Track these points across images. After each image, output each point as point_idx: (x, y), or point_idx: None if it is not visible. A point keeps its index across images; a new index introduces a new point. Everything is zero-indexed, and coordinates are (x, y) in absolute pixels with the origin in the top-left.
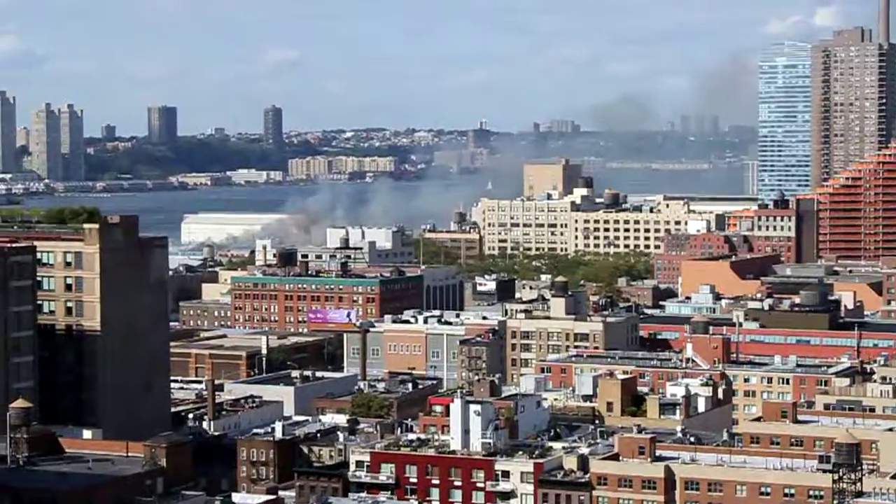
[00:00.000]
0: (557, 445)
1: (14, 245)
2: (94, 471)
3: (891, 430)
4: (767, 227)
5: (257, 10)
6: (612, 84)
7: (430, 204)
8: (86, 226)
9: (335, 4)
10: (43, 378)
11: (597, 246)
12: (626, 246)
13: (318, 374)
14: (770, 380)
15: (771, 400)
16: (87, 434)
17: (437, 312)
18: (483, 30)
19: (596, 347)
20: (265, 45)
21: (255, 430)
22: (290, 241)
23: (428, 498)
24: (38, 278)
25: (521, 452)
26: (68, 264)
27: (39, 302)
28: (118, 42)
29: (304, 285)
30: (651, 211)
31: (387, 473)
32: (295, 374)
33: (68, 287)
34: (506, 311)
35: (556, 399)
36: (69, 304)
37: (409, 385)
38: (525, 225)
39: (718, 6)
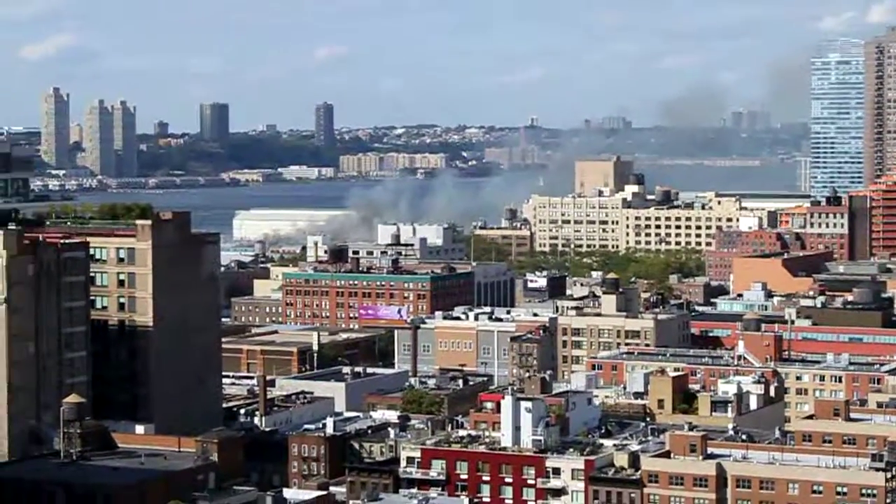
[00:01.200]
0: (608, 443)
1: (67, 241)
2: (146, 466)
3: None
4: (820, 224)
5: (308, 7)
6: (665, 80)
7: (482, 200)
8: (138, 222)
9: (386, 1)
10: (96, 373)
11: (648, 243)
12: (678, 243)
13: (369, 370)
14: (822, 377)
15: (823, 398)
16: (139, 429)
17: (487, 309)
18: (537, 25)
19: (647, 344)
20: (315, 43)
21: (306, 426)
22: (349, 238)
23: (478, 494)
24: (91, 274)
25: (571, 449)
26: (121, 260)
27: (92, 297)
28: (171, 39)
29: (356, 281)
30: (703, 208)
31: (437, 470)
32: (346, 370)
33: (121, 283)
34: (557, 307)
35: (607, 396)
36: (122, 300)
37: (460, 382)
38: (576, 222)
39: (774, 2)
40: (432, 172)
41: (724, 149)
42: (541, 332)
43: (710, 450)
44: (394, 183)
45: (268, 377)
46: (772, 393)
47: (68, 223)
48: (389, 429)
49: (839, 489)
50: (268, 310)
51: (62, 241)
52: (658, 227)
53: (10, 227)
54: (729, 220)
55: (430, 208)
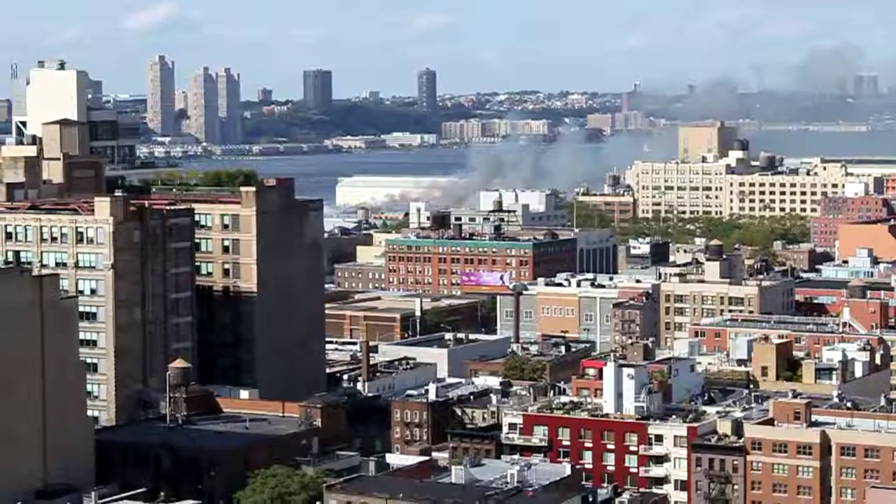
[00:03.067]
0: (711, 410)
1: (173, 207)
2: (250, 430)
3: None
4: None
5: None
6: (767, 48)
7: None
8: (243, 189)
9: None
10: (201, 339)
11: (752, 209)
12: (782, 209)
13: (472, 336)
14: None
15: None
16: (243, 394)
17: (590, 276)
18: None
19: (751, 311)
20: (414, 11)
21: (408, 392)
22: (464, 204)
23: (581, 461)
24: (197, 240)
25: (674, 416)
26: (226, 226)
27: (197, 264)
28: (273, 7)
29: (458, 248)
30: (808, 174)
31: (539, 436)
32: (448, 336)
33: (226, 249)
34: (660, 274)
35: (710, 363)
36: (226, 266)
37: (562, 348)
38: (679, 188)
39: None
40: (537, 138)
41: (831, 115)
42: (643, 298)
43: (814, 417)
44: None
45: (371, 343)
46: (877, 360)
47: (174, 190)
48: (491, 395)
49: None
50: (371, 276)
51: (167, 207)
52: (762, 193)
53: (116, 194)
54: (834, 185)
55: (539, 173)
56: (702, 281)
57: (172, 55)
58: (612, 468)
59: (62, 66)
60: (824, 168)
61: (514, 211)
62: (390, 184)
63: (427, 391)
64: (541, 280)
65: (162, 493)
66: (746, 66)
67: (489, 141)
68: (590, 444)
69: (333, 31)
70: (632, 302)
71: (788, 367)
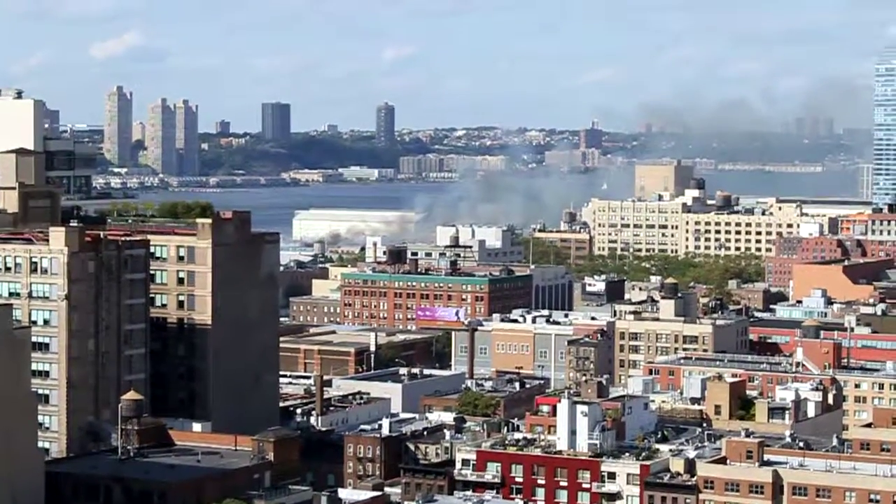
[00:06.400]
0: (664, 448)
1: (129, 238)
2: (202, 463)
3: None
4: (881, 232)
5: (379, 7)
6: (730, 85)
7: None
8: (199, 220)
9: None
10: (154, 371)
11: (707, 248)
12: (738, 248)
13: (426, 371)
14: (881, 386)
15: (882, 406)
16: (196, 427)
17: (545, 312)
18: (607, 27)
19: (705, 350)
20: (384, 43)
21: (362, 427)
22: (411, 239)
23: (533, 497)
24: (152, 272)
25: (627, 454)
26: (181, 258)
27: (152, 295)
28: (236, 39)
29: (414, 283)
30: (763, 213)
31: (493, 472)
32: (403, 371)
33: (181, 281)
34: (615, 311)
35: (663, 401)
36: (181, 298)
37: (517, 384)
38: (636, 226)
39: (841, 8)
40: (491, 175)
41: (786, 155)
42: (598, 335)
43: (766, 457)
44: (454, 186)
45: (325, 377)
46: (830, 400)
47: (129, 221)
48: (445, 430)
49: None
50: (326, 310)
51: (123, 238)
52: (718, 232)
53: (72, 224)
54: (789, 226)
55: (488, 211)
56: (656, 319)
57: (134, 85)
58: None
59: (19, 94)
60: (779, 208)
61: (471, 247)
62: (347, 217)
63: (381, 426)
64: (496, 316)
65: None
66: (710, 103)
67: (447, 176)
68: (543, 481)
69: (298, 62)
70: (586, 339)
71: (742, 405)
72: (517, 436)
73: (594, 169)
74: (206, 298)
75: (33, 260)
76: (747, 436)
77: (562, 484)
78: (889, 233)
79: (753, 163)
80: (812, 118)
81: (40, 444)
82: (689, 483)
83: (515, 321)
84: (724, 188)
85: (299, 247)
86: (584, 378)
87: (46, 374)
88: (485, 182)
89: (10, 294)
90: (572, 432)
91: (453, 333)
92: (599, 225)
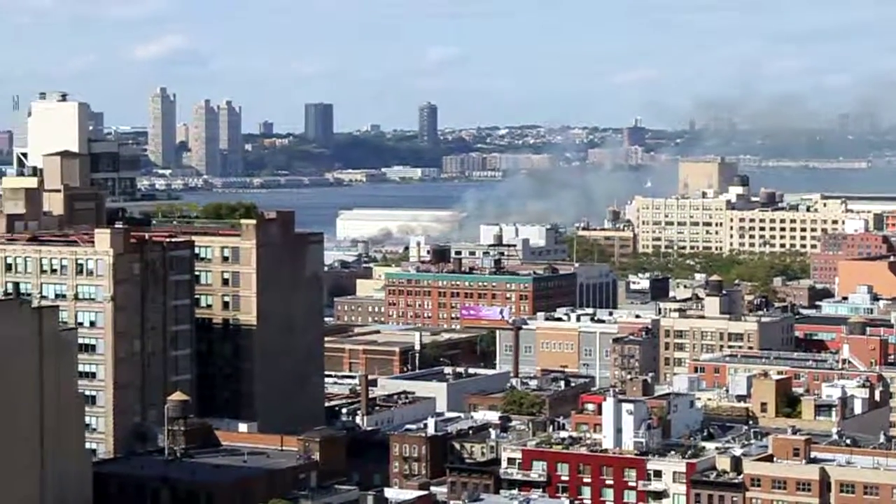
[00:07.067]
0: (710, 446)
1: (173, 240)
2: (249, 464)
3: None
4: None
5: (422, 7)
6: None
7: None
8: (243, 221)
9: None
10: (200, 371)
11: (752, 245)
12: (782, 245)
13: (471, 370)
14: None
15: None
16: (242, 427)
17: (589, 310)
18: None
19: (750, 347)
20: (426, 43)
21: (407, 426)
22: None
23: (579, 496)
24: (196, 273)
25: (673, 452)
26: (226, 259)
27: (197, 296)
28: (280, 41)
29: (458, 282)
30: (808, 210)
31: (538, 471)
32: (447, 370)
33: (225, 282)
34: (659, 309)
35: (709, 399)
36: (226, 299)
37: (562, 383)
38: (679, 223)
39: (883, 4)
40: (540, 172)
41: (830, 151)
42: (643, 333)
43: (813, 454)
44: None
45: (370, 377)
46: (877, 397)
47: (174, 222)
48: (490, 429)
49: None
50: (370, 309)
51: (168, 239)
52: (762, 229)
53: (116, 226)
54: (834, 222)
55: (538, 208)
56: (701, 316)
57: (178, 88)
58: None
59: (64, 97)
60: (824, 204)
61: (514, 245)
62: (391, 217)
63: (426, 425)
64: (540, 315)
65: None
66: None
67: (490, 175)
68: (588, 480)
69: (340, 63)
70: (631, 337)
71: (788, 403)
72: (562, 434)
73: (642, 166)
74: (251, 299)
75: (79, 262)
76: (794, 433)
77: (607, 482)
78: None
79: (798, 159)
80: (857, 114)
81: (88, 445)
82: (736, 481)
83: (560, 320)
84: (769, 185)
85: (343, 247)
86: (629, 376)
87: (93, 375)
88: (534, 179)
89: (57, 296)
90: (618, 430)
91: (498, 332)
92: (643, 222)
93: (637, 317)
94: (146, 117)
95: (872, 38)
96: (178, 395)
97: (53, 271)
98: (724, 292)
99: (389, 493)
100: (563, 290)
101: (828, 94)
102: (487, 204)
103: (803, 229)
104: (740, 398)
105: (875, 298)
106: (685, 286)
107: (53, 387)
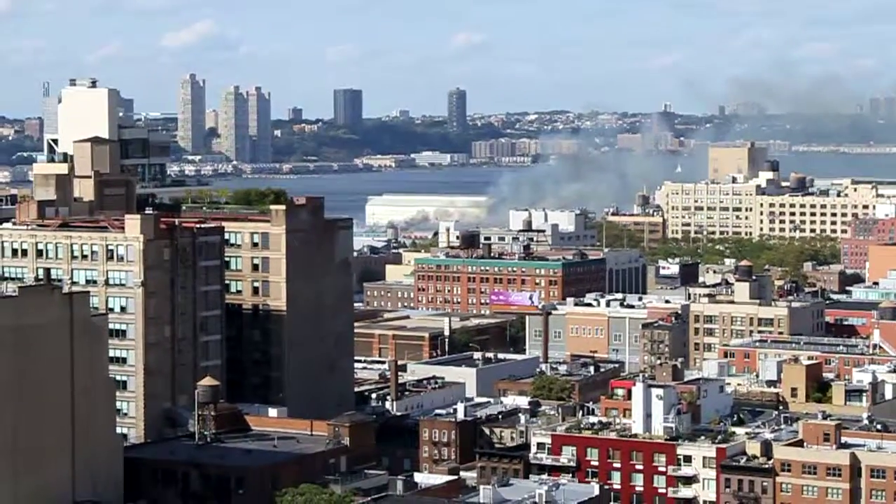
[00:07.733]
0: (740, 431)
1: (203, 225)
2: (279, 448)
3: None
4: None
5: None
6: (803, 67)
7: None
8: (272, 207)
9: None
10: (230, 357)
11: (782, 230)
12: (812, 230)
13: (500, 355)
14: None
15: None
16: (272, 412)
17: (619, 296)
18: (675, 12)
19: (780, 332)
20: (454, 29)
21: (437, 411)
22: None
23: (609, 481)
24: (226, 258)
25: (703, 437)
26: (255, 245)
27: (227, 282)
28: (306, 27)
29: (487, 267)
30: (838, 195)
31: (568, 456)
32: (477, 355)
33: (255, 267)
34: (689, 294)
35: (739, 384)
36: (256, 284)
37: (591, 368)
38: (709, 208)
39: None
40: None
41: (861, 136)
42: (672, 319)
43: (843, 439)
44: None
45: (399, 362)
46: None
47: (204, 208)
48: (520, 414)
49: None
50: (400, 295)
51: (198, 225)
52: (792, 214)
53: (147, 212)
54: (865, 207)
55: (573, 191)
56: (731, 302)
57: (206, 74)
58: (641, 489)
59: (94, 84)
60: (855, 189)
61: (544, 231)
62: (420, 203)
63: (455, 410)
64: (570, 300)
65: None
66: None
67: (519, 160)
68: (618, 465)
69: (368, 49)
70: (661, 322)
71: (818, 388)
72: (592, 419)
73: (672, 151)
74: (281, 284)
75: (109, 247)
76: (824, 418)
77: (637, 467)
78: None
79: (828, 144)
80: (887, 99)
81: (118, 430)
82: (766, 466)
83: (589, 305)
84: (799, 170)
85: (372, 232)
86: (658, 361)
87: (124, 360)
88: (568, 162)
89: (87, 281)
90: (647, 415)
91: (527, 317)
92: (673, 208)
93: (667, 302)
94: (176, 104)
95: None
96: (207, 381)
97: (84, 257)
98: (753, 278)
99: (419, 477)
100: (592, 276)
101: (861, 77)
102: (522, 187)
103: (833, 214)
104: (770, 383)
105: None
106: (715, 271)
107: (84, 372)
